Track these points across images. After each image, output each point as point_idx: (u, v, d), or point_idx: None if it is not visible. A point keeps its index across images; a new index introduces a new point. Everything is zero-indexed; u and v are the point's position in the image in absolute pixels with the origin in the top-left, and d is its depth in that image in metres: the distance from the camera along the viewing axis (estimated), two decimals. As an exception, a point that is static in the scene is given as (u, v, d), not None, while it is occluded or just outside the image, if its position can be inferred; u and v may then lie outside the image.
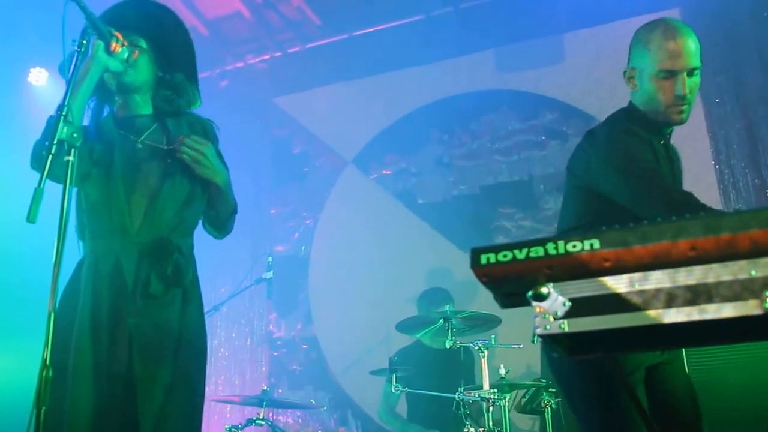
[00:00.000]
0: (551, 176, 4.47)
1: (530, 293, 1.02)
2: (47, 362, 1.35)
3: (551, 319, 1.03)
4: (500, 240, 4.44)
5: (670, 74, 1.77)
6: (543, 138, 4.56)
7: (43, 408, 1.30)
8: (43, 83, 4.83)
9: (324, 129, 5.26)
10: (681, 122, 1.81)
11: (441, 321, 3.06)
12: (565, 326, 1.02)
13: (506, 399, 2.75)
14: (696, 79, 1.81)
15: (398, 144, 4.94)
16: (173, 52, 2.01)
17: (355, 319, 4.58)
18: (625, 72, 1.90)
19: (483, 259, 1.05)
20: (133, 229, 1.85)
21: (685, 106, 1.78)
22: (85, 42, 1.73)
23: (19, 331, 3.72)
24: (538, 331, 1.03)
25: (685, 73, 1.76)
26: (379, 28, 4.96)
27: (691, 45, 1.77)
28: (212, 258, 4.11)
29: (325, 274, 4.93)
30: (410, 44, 4.79)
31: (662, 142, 1.85)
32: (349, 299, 4.67)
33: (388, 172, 4.97)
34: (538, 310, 1.03)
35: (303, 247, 5.09)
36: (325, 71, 5.18)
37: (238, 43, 5.40)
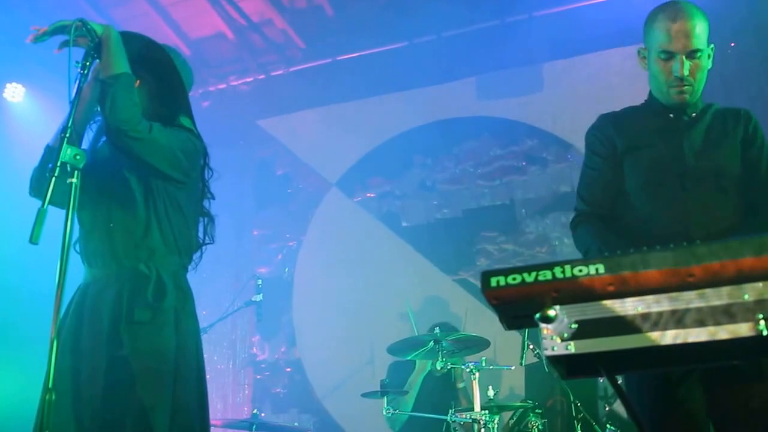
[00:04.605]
0: (532, 200, 4.57)
1: (538, 315, 1.06)
2: (50, 386, 1.33)
3: (558, 340, 1.07)
4: (482, 263, 4.51)
5: (670, 55, 1.80)
6: (524, 164, 4.68)
7: (47, 432, 1.29)
8: (19, 99, 4.76)
9: (307, 151, 5.30)
10: (683, 103, 1.83)
11: (431, 343, 3.08)
12: (572, 347, 1.06)
13: (495, 421, 2.78)
14: (700, 61, 1.80)
15: (382, 168, 5.00)
16: (173, 91, 2.00)
17: (339, 341, 4.57)
18: (639, 51, 1.93)
19: (493, 281, 1.09)
20: (116, 256, 1.83)
21: (686, 87, 1.80)
22: (87, 64, 1.74)
23: (15, 352, 3.62)
24: (546, 352, 1.07)
25: (683, 55, 1.78)
26: (363, 53, 5.04)
27: (693, 27, 1.77)
28: (192, 279, 4.08)
29: (308, 296, 4.92)
30: (394, 70, 4.88)
31: (672, 116, 1.86)
32: (333, 321, 4.67)
33: (371, 195, 5.02)
34: (545, 331, 1.07)
35: (286, 269, 5.08)
36: (309, 94, 5.22)
37: (221, 64, 5.41)
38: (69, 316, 1.79)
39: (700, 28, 1.80)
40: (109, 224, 1.85)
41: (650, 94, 1.95)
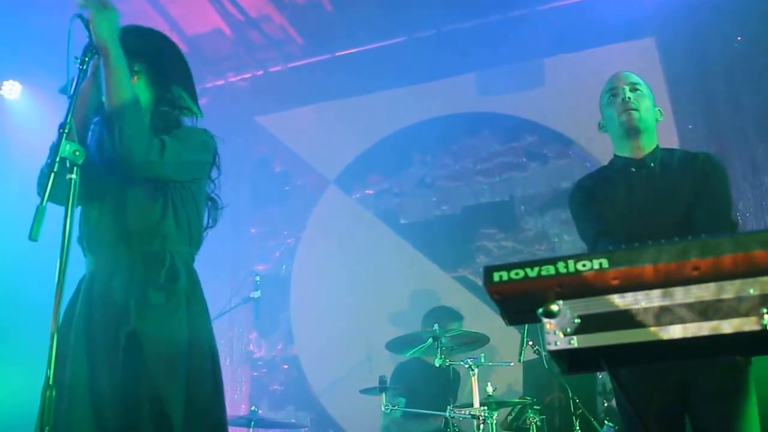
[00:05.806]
0: (532, 197, 4.56)
1: (541, 310, 1.06)
2: (51, 382, 1.33)
3: (561, 335, 1.06)
4: (481, 260, 4.51)
5: (614, 92, 2.05)
6: (524, 160, 4.67)
7: (47, 428, 1.28)
8: (16, 96, 4.76)
9: (306, 148, 5.28)
10: (630, 124, 1.98)
11: (430, 340, 3.09)
12: (575, 342, 1.05)
13: (494, 416, 2.79)
14: (642, 95, 2.01)
15: (380, 164, 4.99)
16: (170, 70, 2.01)
17: (337, 338, 4.57)
18: (599, 124, 2.14)
19: (496, 276, 1.08)
20: (128, 240, 1.82)
21: (632, 111, 1.98)
22: (87, 59, 1.73)
23: (16, 349, 3.62)
24: (549, 347, 1.07)
25: (626, 87, 2.02)
26: (362, 48, 5.03)
27: (631, 74, 2.08)
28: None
29: (306, 294, 4.91)
30: (393, 65, 4.87)
31: (633, 170, 2.00)
32: (330, 318, 4.66)
33: (370, 192, 5.01)
34: (548, 326, 1.07)
35: (284, 267, 5.07)
36: (308, 91, 5.21)
37: (219, 60, 5.40)
38: (78, 306, 1.78)
39: (640, 79, 2.07)
40: (123, 208, 1.84)
41: (614, 154, 2.09)
